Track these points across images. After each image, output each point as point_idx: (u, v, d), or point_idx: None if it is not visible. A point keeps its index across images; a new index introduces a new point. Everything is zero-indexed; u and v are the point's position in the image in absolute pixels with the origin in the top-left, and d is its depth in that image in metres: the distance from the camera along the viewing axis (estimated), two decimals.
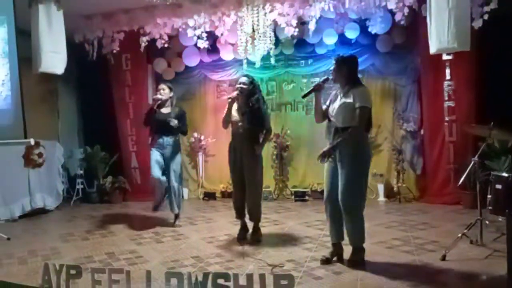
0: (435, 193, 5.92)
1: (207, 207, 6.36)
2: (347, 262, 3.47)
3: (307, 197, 6.50)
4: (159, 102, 4.83)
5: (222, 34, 6.00)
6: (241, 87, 4.15)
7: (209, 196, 6.97)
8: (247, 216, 4.31)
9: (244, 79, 4.22)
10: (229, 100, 4.17)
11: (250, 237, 4.30)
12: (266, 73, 6.75)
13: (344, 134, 3.33)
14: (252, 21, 5.49)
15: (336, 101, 3.46)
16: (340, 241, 3.58)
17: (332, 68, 3.52)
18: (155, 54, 6.88)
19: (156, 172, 4.78)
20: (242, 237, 4.31)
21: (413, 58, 6.13)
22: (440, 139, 5.87)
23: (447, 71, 5.75)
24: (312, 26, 5.44)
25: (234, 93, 4.15)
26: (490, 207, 3.84)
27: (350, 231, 3.46)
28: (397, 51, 6.20)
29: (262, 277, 2.53)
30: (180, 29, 6.04)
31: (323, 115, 3.57)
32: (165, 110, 4.88)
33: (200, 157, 7.18)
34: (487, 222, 3.91)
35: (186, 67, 6.98)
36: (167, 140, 4.83)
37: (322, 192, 6.13)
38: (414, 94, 6.26)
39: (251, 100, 4.14)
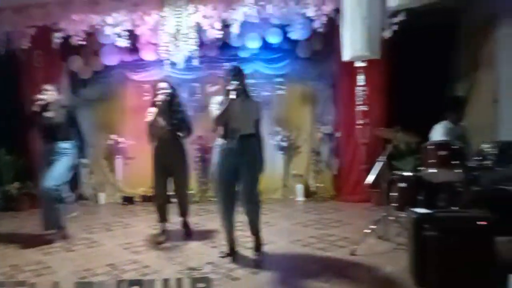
0: (349, 192, 6.27)
1: (125, 212, 6.14)
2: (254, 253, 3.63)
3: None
4: (43, 104, 4.36)
5: (143, 34, 5.83)
6: (166, 92, 4.20)
7: (128, 200, 6.73)
8: (175, 214, 4.45)
9: (164, 84, 4.29)
10: (159, 103, 4.15)
11: (182, 231, 4.51)
12: (190, 74, 6.68)
13: (248, 140, 3.54)
14: (175, 22, 5.41)
15: (233, 108, 3.48)
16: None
17: (233, 74, 3.56)
18: (71, 51, 6.50)
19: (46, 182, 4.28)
20: (161, 241, 4.25)
21: (330, 64, 6.44)
22: (353, 141, 6.22)
23: (361, 77, 6.12)
24: (235, 29, 5.49)
25: (162, 96, 4.17)
26: (395, 204, 4.17)
27: (254, 219, 3.65)
28: (316, 57, 6.49)
29: (178, 281, 2.50)
30: (98, 27, 5.77)
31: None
32: (50, 114, 4.42)
33: (119, 160, 6.90)
34: (392, 218, 4.21)
35: (105, 66, 6.69)
36: (55, 146, 4.37)
37: None
38: (330, 98, 6.60)
39: (174, 104, 4.25)
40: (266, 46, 6.40)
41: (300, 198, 6.55)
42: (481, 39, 5.61)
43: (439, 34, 6.48)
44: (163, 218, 4.36)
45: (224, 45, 6.42)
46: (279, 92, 6.74)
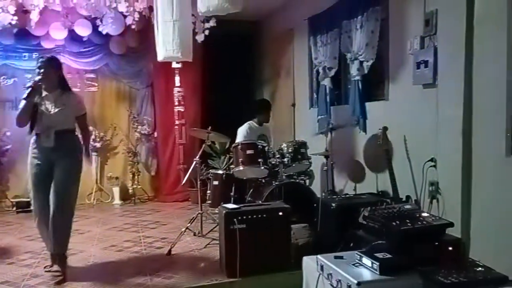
0: (167, 192, 6.33)
1: None
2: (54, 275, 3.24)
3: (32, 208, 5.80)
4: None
5: None
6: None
7: None
8: None
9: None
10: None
11: None
12: None
13: (64, 137, 3.29)
14: None
15: (47, 103, 3.28)
16: None
17: (40, 68, 3.25)
18: None
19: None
20: None
21: (147, 63, 6.36)
22: (171, 142, 6.32)
23: (177, 78, 6.25)
24: (34, 16, 4.90)
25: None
26: (209, 201, 4.40)
27: (56, 234, 3.25)
28: (131, 54, 6.30)
29: None
30: None
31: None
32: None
33: None
34: (207, 215, 4.44)
35: None
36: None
37: None
38: (148, 98, 6.52)
39: None
40: (74, 38, 5.90)
41: (117, 201, 6.29)
42: (281, 50, 6.38)
43: (245, 42, 7.14)
44: None
45: (23, 33, 5.67)
46: (91, 89, 6.33)
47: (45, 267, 3.41)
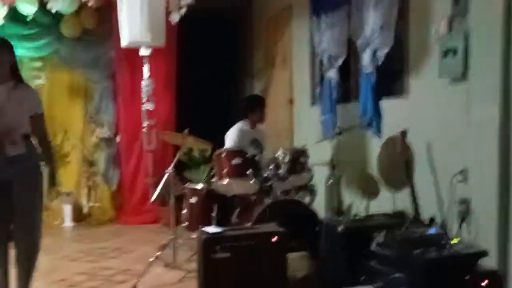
0: (132, 211, 6.33)
1: None
2: None
3: None
4: None
5: None
6: None
7: None
8: None
9: None
10: None
11: None
12: None
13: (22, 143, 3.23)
14: None
15: None
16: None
17: None
18: None
19: None
20: None
21: (107, 50, 6.35)
22: (138, 148, 6.30)
23: (145, 68, 6.22)
24: None
25: None
26: (186, 223, 4.38)
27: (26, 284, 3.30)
28: (88, 38, 6.30)
29: None
30: None
31: None
32: None
33: None
34: (181, 241, 4.41)
35: None
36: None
37: None
38: (108, 93, 6.51)
39: None
40: (16, 17, 5.87)
41: (68, 223, 6.26)
42: (276, 34, 6.40)
43: (230, 24, 7.16)
44: None
45: None
46: (37, 81, 6.28)
47: None
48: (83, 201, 6.41)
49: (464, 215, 3.34)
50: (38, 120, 3.30)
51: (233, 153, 4.17)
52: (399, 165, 3.72)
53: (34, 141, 3.32)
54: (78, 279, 4.12)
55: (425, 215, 3.57)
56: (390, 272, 2.41)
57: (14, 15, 5.85)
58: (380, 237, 2.58)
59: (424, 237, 2.55)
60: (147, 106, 6.28)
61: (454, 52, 3.43)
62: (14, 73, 3.29)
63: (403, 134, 3.70)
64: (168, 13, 5.23)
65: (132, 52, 5.83)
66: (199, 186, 4.51)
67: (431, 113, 3.77)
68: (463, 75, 3.39)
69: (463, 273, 2.35)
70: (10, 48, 3.33)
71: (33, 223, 3.24)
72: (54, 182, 3.37)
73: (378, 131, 4.23)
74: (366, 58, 4.27)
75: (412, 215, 3.56)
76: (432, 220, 3.53)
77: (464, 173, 3.34)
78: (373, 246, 2.65)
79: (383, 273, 2.46)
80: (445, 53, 3.52)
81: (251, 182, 4.06)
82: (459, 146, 3.40)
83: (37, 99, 3.38)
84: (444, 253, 2.38)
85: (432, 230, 2.68)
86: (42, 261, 4.49)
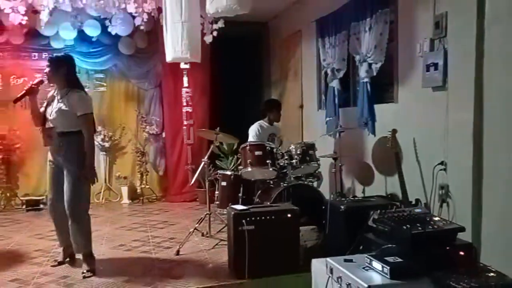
0: (175, 192, 6.33)
1: None
2: (82, 274, 3.30)
3: (41, 206, 5.85)
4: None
5: None
6: None
7: None
8: None
9: None
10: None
11: None
12: None
13: (66, 138, 3.27)
14: None
15: (53, 104, 3.32)
16: (69, 244, 3.49)
17: (46, 69, 3.34)
18: None
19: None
20: None
21: (155, 64, 6.37)
22: (179, 142, 6.32)
23: (185, 79, 6.26)
24: (44, 16, 4.92)
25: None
26: (218, 202, 4.40)
27: (75, 238, 3.37)
28: (140, 55, 6.33)
29: None
30: None
31: (43, 118, 3.36)
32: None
33: None
34: (215, 216, 4.44)
35: None
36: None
37: None
38: (156, 98, 6.53)
39: None
40: (84, 38, 5.94)
41: (126, 201, 6.31)
42: (289, 52, 6.37)
43: (253, 43, 7.14)
44: None
45: (33, 33, 5.71)
46: (100, 89, 6.35)
47: (57, 262, 3.52)
48: (137, 183, 6.45)
49: (444, 198, 3.30)
50: (80, 120, 3.27)
51: (255, 146, 4.17)
52: (390, 157, 3.68)
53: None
54: (134, 244, 4.16)
55: (411, 197, 3.53)
56: (384, 243, 2.38)
57: (82, 37, 5.92)
58: (375, 215, 2.55)
59: (412, 215, 2.51)
60: (187, 108, 6.33)
61: (435, 66, 3.39)
62: (68, 81, 3.33)
63: (394, 132, 3.66)
64: (203, 35, 5.23)
65: (175, 66, 5.88)
66: (229, 172, 4.52)
67: (416, 116, 3.72)
68: (443, 85, 3.34)
69: (444, 245, 2.32)
70: (64, 62, 3.37)
71: (70, 198, 3.26)
72: (83, 166, 3.27)
73: (373, 130, 4.18)
74: (363, 70, 4.22)
75: (401, 197, 3.52)
76: (417, 201, 3.50)
77: (444, 164, 3.30)
78: (370, 222, 2.63)
79: (378, 244, 2.44)
80: (428, 67, 3.47)
81: (270, 169, 4.07)
82: (440, 142, 3.36)
83: (84, 103, 3.30)
84: (428, 228, 2.34)
85: (418, 210, 2.64)
86: (105, 230, 4.61)
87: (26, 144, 5.98)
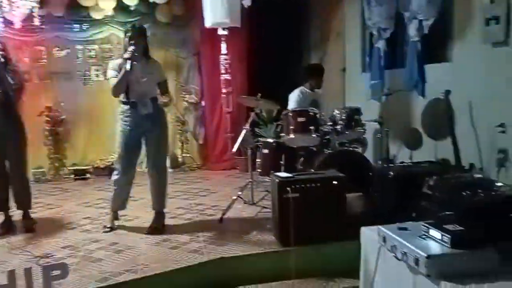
0: (215, 161, 6.34)
1: None
2: (150, 228, 3.57)
3: (88, 175, 6.02)
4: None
5: None
6: None
7: None
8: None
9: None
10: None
11: (23, 225, 3.72)
12: (31, 36, 5.80)
13: (155, 103, 3.52)
14: None
15: (137, 72, 3.38)
16: (122, 209, 3.73)
17: (130, 36, 3.39)
18: None
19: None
20: (6, 230, 3.66)
21: (193, 31, 6.26)
22: (218, 110, 6.27)
23: (223, 45, 6.10)
24: None
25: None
26: (259, 170, 4.33)
27: (159, 195, 3.69)
28: (177, 23, 6.23)
29: (27, 271, 2.18)
30: None
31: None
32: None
33: None
34: (257, 183, 4.38)
35: None
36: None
37: (105, 168, 5.87)
38: (194, 66, 6.45)
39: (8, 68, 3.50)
40: (122, 7, 5.88)
41: (167, 169, 6.36)
42: (331, 12, 6.06)
43: (291, 5, 6.82)
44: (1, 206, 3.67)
45: (73, 4, 5.72)
46: None
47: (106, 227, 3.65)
48: (178, 152, 6.49)
49: (503, 162, 3.07)
50: (162, 85, 3.59)
51: (298, 112, 4.02)
52: (442, 120, 3.44)
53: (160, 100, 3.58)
54: (178, 212, 4.19)
55: (465, 163, 3.30)
56: (439, 211, 2.22)
57: (120, 6, 5.87)
58: (431, 181, 2.39)
59: (472, 181, 2.34)
60: (225, 76, 6.21)
61: (496, 20, 3.07)
62: (145, 52, 3.51)
63: (447, 93, 3.40)
64: None
65: (212, 33, 5.74)
66: (270, 140, 4.42)
67: (472, 75, 3.44)
68: (504, 40, 3.04)
69: (509, 212, 2.14)
70: (144, 33, 3.56)
71: (160, 155, 3.67)
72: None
73: (423, 92, 3.93)
74: (412, 28, 3.93)
75: (454, 163, 3.31)
76: (472, 166, 3.27)
77: (504, 126, 3.04)
78: (425, 189, 2.46)
79: (433, 212, 2.29)
80: (488, 21, 3.16)
81: (313, 136, 3.93)
82: (499, 104, 3.09)
83: (162, 70, 3.66)
84: (491, 194, 2.16)
85: (478, 175, 2.45)
86: (150, 198, 4.62)
87: (71, 116, 6.12)
